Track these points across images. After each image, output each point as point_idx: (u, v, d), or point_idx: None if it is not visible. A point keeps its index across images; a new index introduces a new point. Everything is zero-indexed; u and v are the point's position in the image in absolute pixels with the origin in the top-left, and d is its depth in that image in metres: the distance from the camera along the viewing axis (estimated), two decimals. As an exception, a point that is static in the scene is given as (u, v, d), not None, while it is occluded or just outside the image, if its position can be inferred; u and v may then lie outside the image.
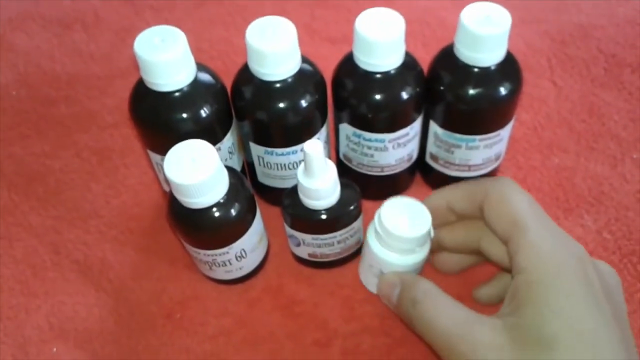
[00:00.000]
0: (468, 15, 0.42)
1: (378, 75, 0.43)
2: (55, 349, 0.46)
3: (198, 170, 0.38)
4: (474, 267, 0.48)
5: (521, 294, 0.35)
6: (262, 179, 0.51)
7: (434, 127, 0.48)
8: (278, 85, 0.43)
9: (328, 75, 0.46)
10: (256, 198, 0.52)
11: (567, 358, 0.32)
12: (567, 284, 0.34)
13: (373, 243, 0.43)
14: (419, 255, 0.43)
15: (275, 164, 0.48)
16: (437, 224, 0.44)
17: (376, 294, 0.45)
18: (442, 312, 0.37)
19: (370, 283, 0.46)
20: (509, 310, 0.36)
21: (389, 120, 0.45)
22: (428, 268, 0.50)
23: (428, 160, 0.52)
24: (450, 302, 0.38)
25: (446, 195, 0.43)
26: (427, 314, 0.37)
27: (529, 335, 0.33)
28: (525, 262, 0.35)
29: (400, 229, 0.41)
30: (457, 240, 0.44)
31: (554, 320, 0.33)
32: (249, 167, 0.52)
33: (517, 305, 0.35)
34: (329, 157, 0.52)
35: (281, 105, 0.43)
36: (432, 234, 0.43)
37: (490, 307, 0.46)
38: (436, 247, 0.46)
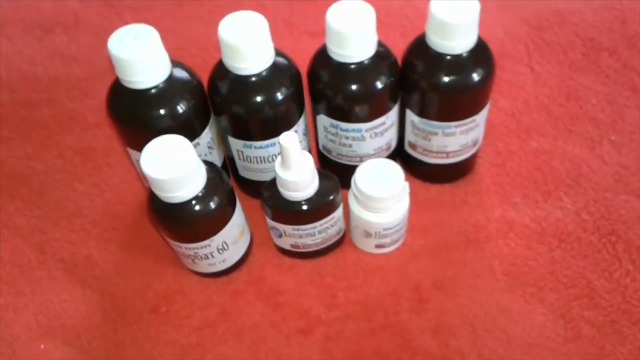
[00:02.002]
0: (437, 4, 0.42)
1: (352, 66, 0.44)
2: (43, 346, 0.47)
3: (173, 165, 0.39)
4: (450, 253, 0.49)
5: None
6: (243, 172, 0.51)
7: (410, 115, 0.48)
8: (253, 79, 0.43)
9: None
10: (239, 191, 0.53)
11: None
12: None
13: (353, 205, 0.47)
14: (398, 212, 0.46)
15: (255, 157, 0.48)
16: None
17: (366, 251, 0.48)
18: None
19: (359, 242, 0.50)
20: None
21: (364, 110, 0.46)
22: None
23: (407, 148, 0.52)
24: None
25: None
26: None
27: None
28: None
29: (374, 189, 0.44)
30: None
31: None
32: (229, 162, 0.52)
33: None
34: (309, 149, 0.53)
35: (257, 98, 0.44)
36: (407, 189, 0.46)
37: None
38: None
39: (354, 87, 0.44)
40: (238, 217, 0.46)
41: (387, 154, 0.51)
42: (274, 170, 0.43)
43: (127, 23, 0.42)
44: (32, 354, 0.47)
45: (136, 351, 0.46)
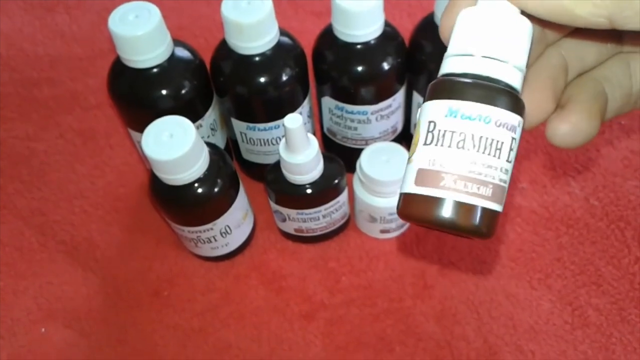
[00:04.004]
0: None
1: (358, 46, 0.43)
2: (43, 329, 0.47)
3: (176, 146, 0.38)
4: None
5: None
6: (246, 155, 0.50)
7: (417, 97, 0.47)
8: (257, 58, 0.42)
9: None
10: (242, 174, 0.52)
11: None
12: None
13: (358, 190, 0.46)
14: None
15: (258, 139, 0.47)
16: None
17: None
18: None
19: (364, 227, 0.49)
20: None
21: (370, 91, 0.45)
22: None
23: (413, 132, 0.51)
24: None
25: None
26: None
27: None
28: None
29: (380, 173, 0.43)
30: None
31: None
32: (233, 144, 0.51)
33: None
34: (314, 132, 0.52)
35: (261, 79, 0.43)
36: None
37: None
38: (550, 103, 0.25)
39: (360, 68, 0.43)
40: (241, 201, 0.45)
41: (392, 137, 0.50)
42: (278, 153, 0.42)
43: (129, 1, 0.41)
44: (32, 337, 0.46)
45: (138, 335, 0.46)
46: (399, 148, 0.45)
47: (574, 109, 0.24)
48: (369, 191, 0.45)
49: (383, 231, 0.48)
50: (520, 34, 0.22)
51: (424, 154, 0.22)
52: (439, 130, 0.22)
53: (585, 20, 0.21)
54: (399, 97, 0.47)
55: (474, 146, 0.21)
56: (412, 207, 0.22)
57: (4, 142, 0.57)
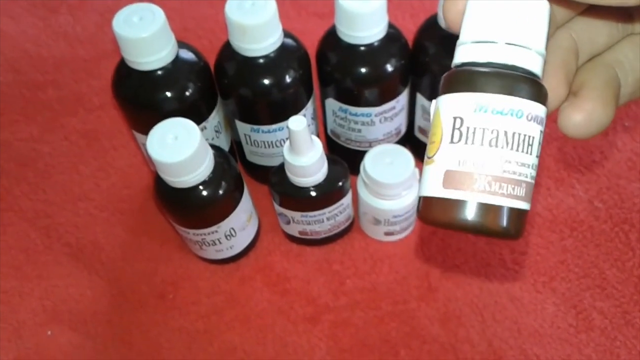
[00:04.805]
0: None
1: (362, 48, 0.43)
2: (49, 332, 0.47)
3: (180, 149, 0.38)
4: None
5: None
6: (250, 157, 0.50)
7: (421, 99, 0.47)
8: (261, 60, 0.42)
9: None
10: (246, 177, 0.52)
11: None
12: None
13: (362, 192, 0.46)
14: (407, 199, 0.45)
15: (262, 141, 0.47)
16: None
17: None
18: None
19: (368, 229, 0.49)
20: None
21: (374, 93, 0.45)
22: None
23: (417, 134, 0.51)
24: None
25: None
26: None
27: None
28: None
29: (383, 176, 0.43)
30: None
31: None
32: (237, 146, 0.51)
33: None
34: (317, 134, 0.52)
35: (265, 81, 0.43)
36: (417, 175, 0.44)
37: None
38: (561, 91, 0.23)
39: (363, 69, 0.43)
40: (246, 203, 0.45)
41: (396, 139, 0.50)
42: (282, 155, 0.42)
43: (132, 2, 0.41)
44: (38, 340, 0.47)
45: (143, 337, 0.46)
46: (402, 150, 0.45)
47: (587, 96, 0.23)
48: (373, 193, 0.45)
49: (387, 234, 0.48)
50: (540, 16, 0.21)
51: (451, 154, 0.20)
52: (468, 127, 0.20)
53: None
54: (403, 99, 0.47)
55: (507, 143, 0.20)
56: (438, 211, 0.21)
57: (9, 144, 0.58)
